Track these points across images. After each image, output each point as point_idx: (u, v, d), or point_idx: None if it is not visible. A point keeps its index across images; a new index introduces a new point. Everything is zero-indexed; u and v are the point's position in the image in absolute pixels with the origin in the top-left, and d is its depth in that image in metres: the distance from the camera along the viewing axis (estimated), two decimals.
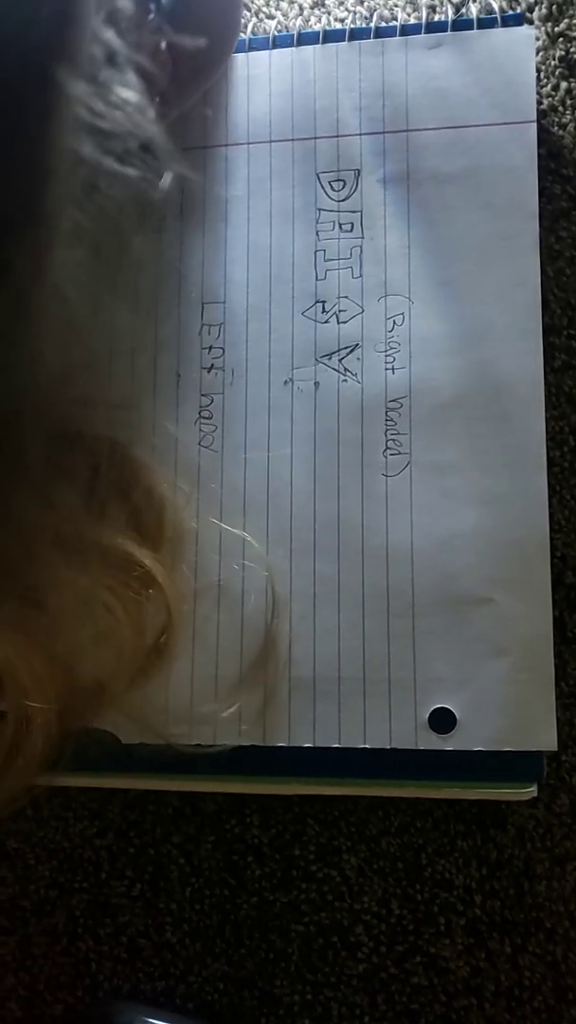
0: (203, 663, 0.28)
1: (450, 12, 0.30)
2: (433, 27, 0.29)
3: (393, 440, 0.28)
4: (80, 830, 0.29)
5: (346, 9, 0.31)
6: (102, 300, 0.26)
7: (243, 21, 0.29)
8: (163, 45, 0.23)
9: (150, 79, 0.22)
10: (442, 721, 0.27)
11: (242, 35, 0.30)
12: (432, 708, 0.27)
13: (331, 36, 0.30)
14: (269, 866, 0.28)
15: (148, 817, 0.29)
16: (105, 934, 0.29)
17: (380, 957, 0.28)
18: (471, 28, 0.29)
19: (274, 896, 0.28)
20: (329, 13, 0.32)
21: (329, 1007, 0.28)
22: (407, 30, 0.29)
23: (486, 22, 0.29)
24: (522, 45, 0.29)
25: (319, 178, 0.29)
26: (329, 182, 0.29)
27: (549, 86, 0.30)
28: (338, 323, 0.29)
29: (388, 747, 0.27)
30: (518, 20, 0.29)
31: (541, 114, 0.30)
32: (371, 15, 0.31)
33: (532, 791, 0.27)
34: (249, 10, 0.32)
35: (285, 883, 0.28)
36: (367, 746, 0.27)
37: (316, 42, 0.30)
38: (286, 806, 0.29)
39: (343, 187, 0.29)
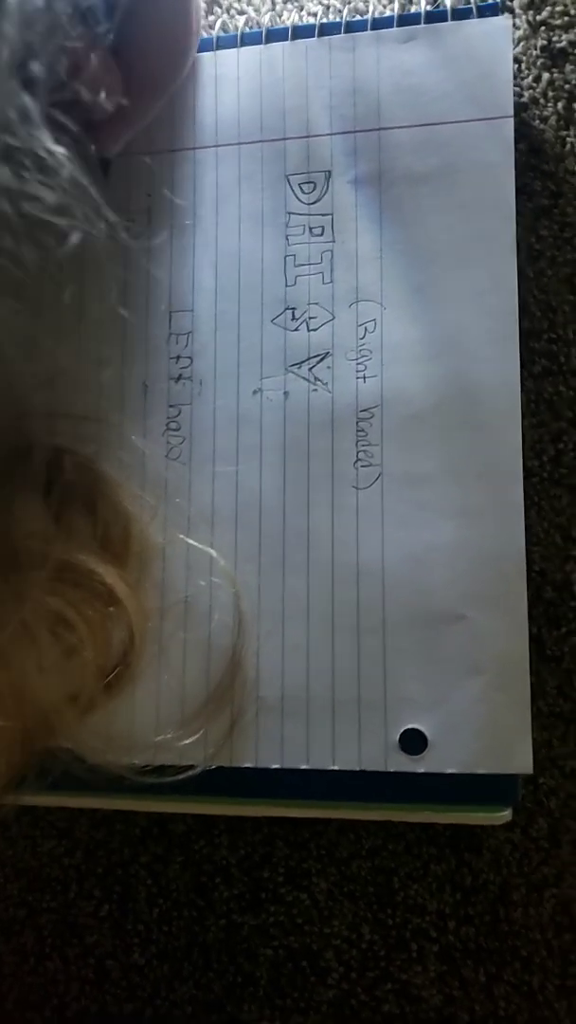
0: (169, 682, 0.27)
1: (423, 3, 0.28)
2: (406, 19, 0.28)
3: (364, 451, 0.27)
4: (48, 849, 0.29)
5: (319, 2, 0.30)
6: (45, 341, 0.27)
7: (201, 25, 0.28)
8: (109, 60, 0.23)
9: (94, 108, 0.22)
10: (413, 742, 0.26)
11: (211, 33, 0.29)
12: (403, 729, 0.26)
13: (300, 32, 0.28)
14: (237, 888, 0.28)
15: (116, 836, 0.29)
16: (73, 955, 0.28)
17: (350, 983, 0.27)
18: (445, 20, 0.28)
19: (242, 918, 0.28)
20: (302, 8, 0.30)
21: None
22: (379, 23, 0.28)
23: (461, 13, 0.28)
24: (498, 36, 0.27)
25: (289, 180, 0.28)
26: (299, 184, 0.28)
27: (531, 77, 0.29)
28: (308, 331, 0.28)
29: (357, 769, 0.26)
30: (494, 10, 0.28)
31: (522, 107, 0.29)
32: (344, 7, 0.29)
33: (507, 815, 0.26)
34: (220, 6, 0.31)
35: (254, 905, 0.28)
36: (336, 768, 0.26)
37: (285, 39, 0.29)
38: (255, 827, 0.28)
39: (313, 189, 0.28)
